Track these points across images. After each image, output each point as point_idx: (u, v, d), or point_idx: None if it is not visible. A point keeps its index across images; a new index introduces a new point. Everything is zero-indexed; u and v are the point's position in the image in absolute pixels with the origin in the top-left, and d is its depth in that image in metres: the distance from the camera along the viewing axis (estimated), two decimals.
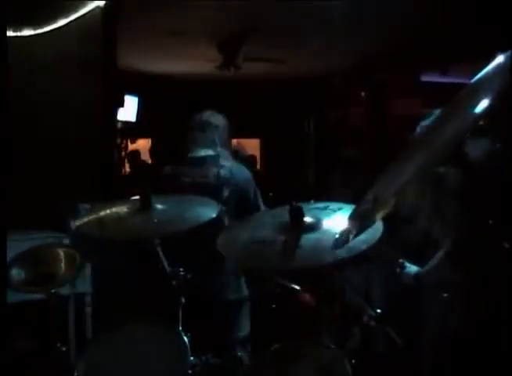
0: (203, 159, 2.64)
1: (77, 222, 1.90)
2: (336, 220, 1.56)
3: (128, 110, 6.73)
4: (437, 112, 1.87)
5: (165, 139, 7.88)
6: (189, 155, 2.68)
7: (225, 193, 2.55)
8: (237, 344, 2.43)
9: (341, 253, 1.41)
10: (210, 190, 2.40)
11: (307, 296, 2.13)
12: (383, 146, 7.09)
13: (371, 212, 1.31)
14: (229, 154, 2.75)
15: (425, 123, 2.19)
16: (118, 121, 5.74)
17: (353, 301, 1.87)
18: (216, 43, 6.01)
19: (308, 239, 1.50)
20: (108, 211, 1.92)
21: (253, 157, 8.30)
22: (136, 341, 1.82)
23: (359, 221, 1.40)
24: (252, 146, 9.03)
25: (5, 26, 2.22)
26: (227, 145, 2.78)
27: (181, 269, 1.91)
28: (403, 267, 2.13)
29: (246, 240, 1.61)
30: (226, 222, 2.32)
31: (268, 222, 1.68)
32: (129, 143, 7.20)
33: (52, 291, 2.11)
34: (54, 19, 3.72)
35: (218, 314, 2.43)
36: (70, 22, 3.77)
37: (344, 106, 8.50)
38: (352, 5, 4.59)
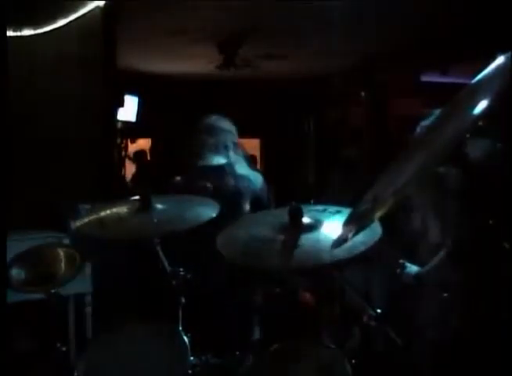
0: (219, 168, 2.47)
1: (77, 222, 1.90)
2: (334, 222, 1.56)
3: (128, 110, 6.73)
4: (437, 112, 1.88)
5: (165, 139, 7.88)
6: (201, 163, 2.51)
7: (246, 205, 2.42)
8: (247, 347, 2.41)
9: (340, 253, 1.41)
10: (229, 203, 2.18)
11: (307, 296, 2.13)
12: (383, 146, 7.09)
13: (370, 212, 1.31)
14: (243, 160, 2.60)
15: (425, 123, 2.19)
16: (118, 121, 5.73)
17: (353, 301, 1.87)
18: (216, 43, 6.01)
19: (307, 239, 1.50)
20: (108, 211, 1.92)
21: (253, 157, 8.30)
22: (136, 341, 1.82)
23: (358, 221, 1.40)
24: (252, 146, 9.03)
25: (5, 26, 2.22)
26: (239, 150, 2.63)
27: (181, 269, 1.91)
28: (403, 267, 2.13)
29: (246, 239, 1.61)
30: None
31: (267, 221, 1.69)
32: (129, 143, 7.20)
33: (52, 291, 2.11)
34: (54, 19, 3.72)
35: (221, 315, 2.42)
36: (70, 22, 3.78)
37: (344, 106, 8.50)
38: (352, 5, 4.59)
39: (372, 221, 1.36)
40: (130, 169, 7.33)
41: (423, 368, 2.18)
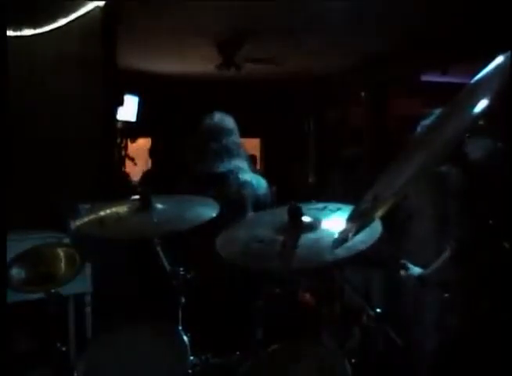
0: (222, 176, 2.43)
1: (77, 222, 1.90)
2: (335, 220, 1.56)
3: (128, 110, 6.72)
4: (437, 112, 1.88)
5: (165, 139, 7.87)
6: (205, 170, 2.47)
7: (249, 212, 2.38)
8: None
9: (340, 253, 1.41)
10: (233, 211, 2.16)
11: (307, 296, 2.13)
12: (383, 146, 7.09)
13: (370, 212, 1.31)
14: (247, 164, 2.55)
15: (425, 123, 2.19)
16: (118, 120, 5.73)
17: (353, 301, 1.87)
18: (216, 43, 6.02)
19: (307, 239, 1.50)
20: (108, 211, 1.92)
21: (253, 157, 8.30)
22: (136, 341, 1.82)
23: (358, 220, 1.40)
24: (252, 146, 9.03)
25: (5, 26, 2.22)
26: (241, 151, 2.56)
27: (181, 269, 1.91)
28: (406, 268, 2.13)
29: (245, 239, 1.61)
30: None
31: (267, 221, 1.68)
32: (129, 143, 7.19)
33: (52, 291, 2.11)
34: (54, 19, 3.72)
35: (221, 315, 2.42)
36: (70, 22, 3.78)
37: (344, 106, 8.50)
38: (352, 5, 4.59)
39: (372, 220, 1.36)
40: (129, 169, 7.32)
41: (423, 368, 2.18)
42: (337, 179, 5.83)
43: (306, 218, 1.57)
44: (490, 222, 1.71)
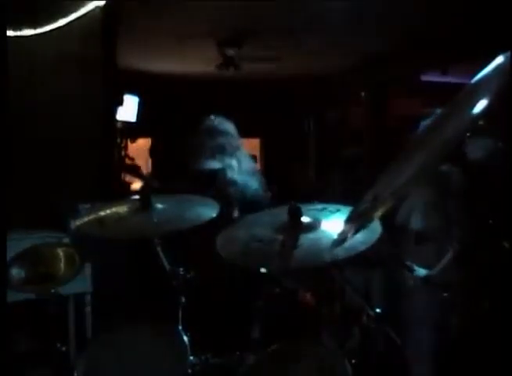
0: (211, 174, 2.46)
1: (77, 222, 1.90)
2: (334, 221, 1.57)
3: (128, 110, 6.72)
4: (438, 112, 1.88)
5: (165, 139, 7.87)
6: (196, 167, 2.51)
7: (235, 214, 2.40)
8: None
9: (340, 253, 1.41)
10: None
11: (307, 296, 2.13)
12: (383, 146, 7.09)
13: (370, 211, 1.31)
14: (245, 163, 2.58)
15: (426, 123, 2.19)
16: (118, 120, 5.73)
17: (353, 301, 1.87)
18: (216, 43, 6.02)
19: (306, 239, 1.50)
20: (108, 211, 1.92)
21: (253, 157, 8.29)
22: (136, 341, 1.82)
23: (358, 220, 1.40)
24: (252, 146, 9.03)
25: (5, 26, 2.22)
26: (237, 154, 2.59)
27: (181, 269, 1.91)
28: (412, 270, 2.13)
29: (245, 239, 1.61)
30: None
31: (266, 221, 1.69)
32: (129, 143, 7.19)
33: (52, 290, 2.11)
34: (54, 19, 3.72)
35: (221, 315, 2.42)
36: (70, 22, 3.77)
37: (344, 106, 8.50)
38: (352, 5, 4.59)
39: (372, 220, 1.36)
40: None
41: (423, 368, 2.18)
42: (337, 179, 5.83)
43: (306, 219, 1.57)
44: (490, 222, 1.71)
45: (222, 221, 1.76)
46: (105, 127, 3.99)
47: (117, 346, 1.82)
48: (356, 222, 1.40)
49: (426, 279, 2.10)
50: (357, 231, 1.36)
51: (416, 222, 2.36)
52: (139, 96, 7.14)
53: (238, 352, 1.87)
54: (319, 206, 1.68)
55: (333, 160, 7.16)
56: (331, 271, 1.88)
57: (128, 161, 6.42)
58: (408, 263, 2.13)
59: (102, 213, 1.90)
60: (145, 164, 7.71)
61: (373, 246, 1.41)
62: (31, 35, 3.68)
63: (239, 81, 7.12)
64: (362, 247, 1.41)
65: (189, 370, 1.71)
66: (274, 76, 7.71)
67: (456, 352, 2.02)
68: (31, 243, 2.37)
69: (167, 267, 1.92)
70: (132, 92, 6.82)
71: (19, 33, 3.64)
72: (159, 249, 1.91)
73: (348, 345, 1.78)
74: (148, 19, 4.98)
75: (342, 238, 1.41)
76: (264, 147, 9.55)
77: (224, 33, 5.75)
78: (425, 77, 6.79)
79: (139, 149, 7.77)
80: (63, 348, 2.08)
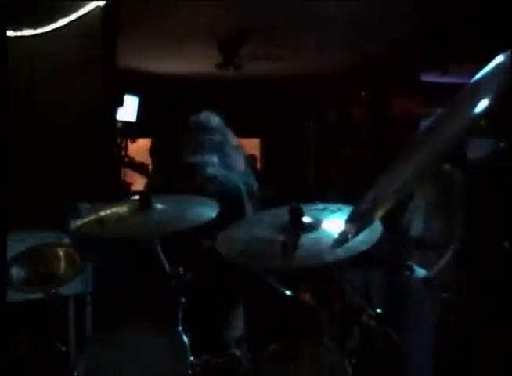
0: (191, 167, 2.51)
1: (77, 222, 1.90)
2: (335, 221, 1.56)
3: (128, 110, 6.72)
4: (438, 111, 1.88)
5: (165, 139, 7.86)
6: (179, 161, 2.57)
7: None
8: (232, 343, 2.41)
9: (340, 253, 1.41)
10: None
11: (307, 296, 2.13)
12: (383, 146, 7.09)
13: (370, 212, 1.31)
14: (221, 161, 2.58)
15: (426, 122, 2.19)
16: (118, 121, 5.73)
17: (353, 301, 1.87)
18: (216, 43, 6.02)
19: (307, 239, 1.50)
20: (108, 211, 1.92)
21: (253, 157, 8.30)
22: (136, 341, 1.82)
23: (359, 221, 1.40)
24: (252, 146, 9.03)
25: (5, 26, 2.22)
26: (222, 149, 2.61)
27: (181, 269, 1.91)
28: (412, 270, 2.13)
29: (246, 239, 1.61)
30: None
31: (267, 221, 1.69)
32: (129, 143, 7.19)
33: (52, 290, 2.11)
34: (54, 19, 3.72)
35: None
36: (71, 22, 3.77)
37: (344, 106, 8.49)
38: (352, 4, 4.59)
39: (372, 221, 1.36)
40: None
41: (423, 368, 2.18)
42: (337, 179, 5.82)
43: (306, 219, 1.57)
44: (490, 222, 1.71)
45: None
46: (105, 127, 3.99)
47: (117, 346, 1.81)
48: (357, 222, 1.40)
49: (425, 279, 2.10)
50: (358, 232, 1.36)
51: (417, 227, 2.36)
52: (139, 96, 7.14)
53: (238, 352, 1.87)
54: (320, 206, 1.68)
55: (333, 160, 7.16)
56: (331, 271, 1.88)
57: (135, 160, 6.42)
58: (408, 263, 2.13)
59: (102, 213, 1.90)
60: None
61: (374, 246, 1.41)
62: (31, 35, 3.68)
63: (239, 81, 7.11)
64: (363, 247, 1.41)
65: (189, 371, 1.71)
66: (274, 76, 7.71)
67: (456, 352, 2.02)
68: (31, 243, 2.37)
69: (167, 267, 1.92)
70: (132, 92, 6.82)
71: (19, 33, 3.63)
72: (159, 249, 1.91)
73: (348, 345, 1.78)
74: (148, 19, 4.98)
75: (343, 238, 1.41)
76: (264, 147, 9.54)
77: (224, 33, 5.75)
78: (425, 77, 6.79)
79: (139, 149, 7.76)
80: (63, 348, 2.07)
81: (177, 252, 1.94)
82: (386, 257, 2.13)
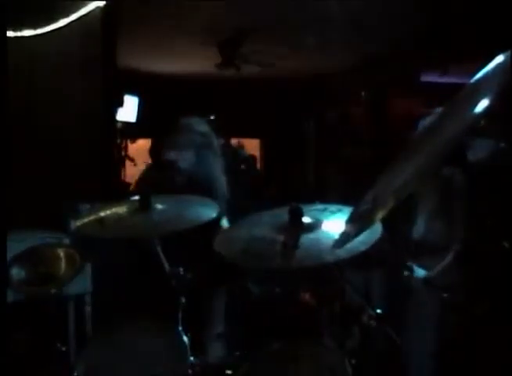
0: (166, 163, 2.77)
1: (77, 222, 1.90)
2: (335, 222, 1.56)
3: (128, 110, 6.72)
4: (437, 111, 1.87)
5: (165, 138, 7.85)
6: (161, 158, 2.83)
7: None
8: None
9: (340, 253, 1.41)
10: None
11: (307, 296, 2.13)
12: (383, 146, 7.09)
13: (371, 213, 1.31)
14: (197, 159, 2.78)
15: (425, 122, 2.19)
16: (118, 121, 5.73)
17: (353, 301, 1.86)
18: (216, 43, 6.01)
19: (307, 239, 1.50)
20: (108, 212, 1.92)
21: (253, 157, 8.29)
22: (136, 341, 1.82)
23: (359, 221, 1.40)
24: (252, 146, 9.02)
25: (5, 26, 2.22)
26: (203, 152, 2.82)
27: (181, 269, 1.91)
28: (411, 270, 2.13)
29: (246, 239, 1.61)
30: None
31: (267, 221, 1.68)
32: (129, 144, 7.19)
33: (52, 291, 2.11)
34: (54, 19, 3.72)
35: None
36: (71, 22, 3.77)
37: (344, 106, 8.49)
38: (352, 4, 4.59)
39: (373, 222, 1.36)
40: (130, 169, 7.31)
41: (423, 368, 2.17)
42: (337, 179, 5.82)
43: (306, 219, 1.57)
44: (490, 222, 1.71)
45: None
46: (105, 127, 3.99)
47: (117, 346, 1.82)
48: (357, 222, 1.40)
49: (425, 280, 2.10)
50: (359, 233, 1.36)
51: (418, 229, 2.36)
52: (139, 96, 7.13)
53: (238, 352, 1.86)
54: (321, 206, 1.69)
55: (333, 160, 7.16)
56: (331, 271, 1.88)
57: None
58: (408, 264, 2.13)
59: (102, 213, 1.90)
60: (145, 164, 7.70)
61: (374, 246, 1.41)
62: (32, 35, 3.68)
63: (239, 81, 7.11)
64: (363, 247, 1.41)
65: (189, 371, 1.71)
66: (274, 76, 7.71)
67: (456, 352, 2.02)
68: (31, 243, 2.37)
69: (167, 267, 1.92)
70: (132, 92, 6.81)
71: (19, 33, 3.63)
72: (159, 249, 1.91)
73: (348, 345, 1.78)
74: (148, 19, 4.98)
75: (344, 239, 1.41)
76: (264, 147, 9.54)
77: (224, 33, 5.75)
78: (425, 77, 6.78)
79: (139, 149, 7.76)
80: (63, 348, 2.07)
81: (177, 252, 1.94)
82: (386, 257, 2.13)
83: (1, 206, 1.69)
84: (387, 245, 1.70)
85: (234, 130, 5.45)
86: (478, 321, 1.95)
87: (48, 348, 2.15)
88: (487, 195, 1.88)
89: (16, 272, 2.11)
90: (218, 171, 2.88)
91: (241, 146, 7.94)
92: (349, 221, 1.48)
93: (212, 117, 2.89)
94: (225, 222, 2.58)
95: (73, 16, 3.78)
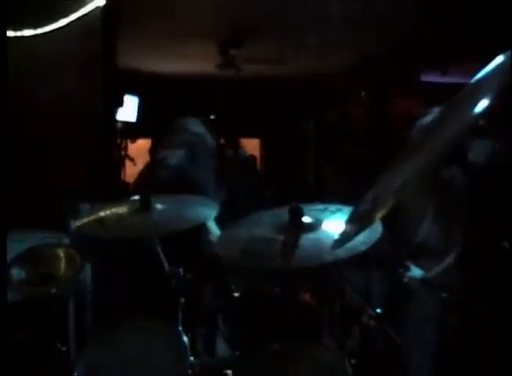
0: (158, 160, 2.89)
1: (78, 223, 1.90)
2: (335, 221, 1.57)
3: (128, 110, 6.72)
4: (434, 110, 1.87)
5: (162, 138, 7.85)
6: (155, 156, 2.95)
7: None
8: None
9: (340, 253, 1.41)
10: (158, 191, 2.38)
11: (307, 296, 2.13)
12: (383, 146, 7.09)
13: (371, 212, 1.31)
14: (186, 156, 2.86)
15: (421, 122, 2.19)
16: (118, 121, 5.73)
17: (353, 301, 1.86)
18: (216, 43, 6.01)
19: (307, 239, 1.50)
20: (108, 212, 1.92)
21: (253, 157, 8.30)
22: (136, 341, 1.82)
23: (359, 221, 1.40)
24: (252, 146, 9.02)
25: (5, 26, 2.21)
26: (196, 152, 2.90)
27: (180, 269, 1.91)
28: (408, 270, 2.13)
29: (245, 239, 1.61)
30: None
31: (267, 221, 1.68)
32: (129, 144, 7.19)
33: (52, 291, 2.11)
34: (54, 19, 3.72)
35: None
36: (71, 22, 3.77)
37: (344, 106, 8.50)
38: (352, 5, 4.59)
39: (373, 221, 1.36)
40: (130, 169, 7.31)
41: (423, 369, 2.17)
42: (337, 179, 5.82)
43: (306, 219, 1.57)
44: (490, 222, 1.71)
45: None
46: (105, 127, 3.99)
47: (116, 346, 1.82)
48: (357, 222, 1.40)
49: (423, 280, 2.09)
50: (358, 232, 1.36)
51: (420, 231, 2.36)
52: (139, 96, 7.13)
53: (238, 352, 1.86)
54: (321, 206, 1.69)
55: (333, 160, 7.16)
56: (331, 271, 1.88)
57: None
58: (406, 264, 2.13)
59: (102, 213, 1.90)
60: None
61: (374, 246, 1.41)
62: (31, 35, 3.68)
63: (239, 81, 7.11)
64: (363, 247, 1.41)
65: (189, 371, 1.71)
66: (274, 76, 7.71)
67: (456, 352, 2.02)
68: (32, 243, 2.37)
69: (167, 267, 1.92)
70: (132, 92, 6.81)
71: (19, 33, 3.63)
72: (159, 249, 1.91)
73: (348, 345, 1.78)
74: (148, 19, 4.98)
75: (344, 239, 1.41)
76: (263, 147, 9.54)
77: (224, 33, 5.75)
78: (425, 77, 6.79)
79: (139, 149, 7.76)
80: (63, 348, 2.07)
81: (177, 252, 1.94)
82: (386, 257, 2.13)
83: (1, 206, 1.69)
84: (387, 245, 1.69)
85: (234, 130, 5.46)
86: (478, 321, 1.95)
87: (48, 348, 2.15)
88: (487, 195, 1.88)
89: (16, 273, 2.11)
90: (209, 171, 2.94)
91: (241, 147, 7.95)
92: (349, 221, 1.48)
93: (212, 117, 2.89)
94: (211, 224, 2.55)
95: (73, 16, 3.78)
